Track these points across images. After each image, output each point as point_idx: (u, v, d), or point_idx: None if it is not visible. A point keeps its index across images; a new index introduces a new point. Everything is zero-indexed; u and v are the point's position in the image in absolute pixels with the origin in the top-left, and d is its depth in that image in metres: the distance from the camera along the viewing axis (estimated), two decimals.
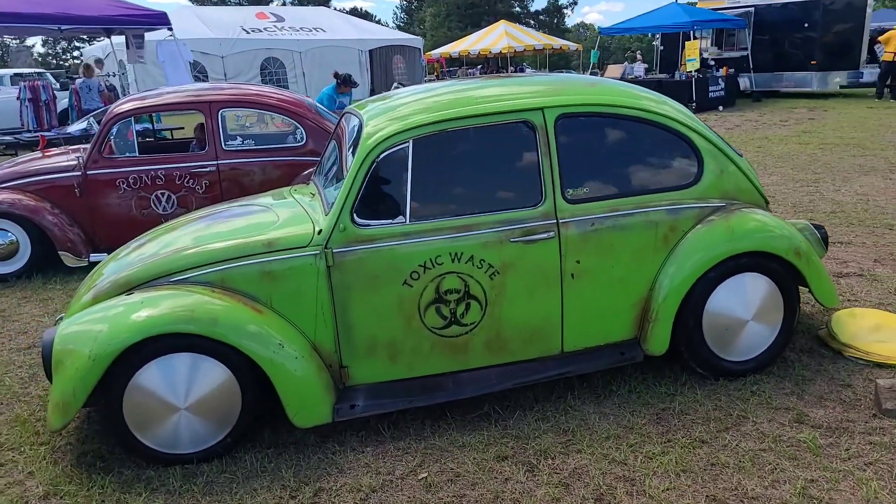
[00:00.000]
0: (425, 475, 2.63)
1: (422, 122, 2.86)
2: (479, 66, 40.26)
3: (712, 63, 18.68)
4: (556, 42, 42.50)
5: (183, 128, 9.87)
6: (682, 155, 3.15)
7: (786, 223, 3.26)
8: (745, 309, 3.15)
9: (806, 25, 18.54)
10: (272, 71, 27.04)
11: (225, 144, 5.73)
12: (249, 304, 2.80)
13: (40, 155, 6.15)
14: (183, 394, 2.71)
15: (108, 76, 15.50)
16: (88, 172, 5.48)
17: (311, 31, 30.25)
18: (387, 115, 2.95)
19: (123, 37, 11.77)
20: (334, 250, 2.80)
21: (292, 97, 6.31)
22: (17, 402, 3.38)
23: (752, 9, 19.23)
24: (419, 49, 33.64)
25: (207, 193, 5.70)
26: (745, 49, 19.36)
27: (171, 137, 9.17)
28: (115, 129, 5.57)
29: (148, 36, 11.17)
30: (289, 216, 3.02)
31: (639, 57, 53.21)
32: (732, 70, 18.38)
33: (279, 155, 5.88)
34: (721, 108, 17.37)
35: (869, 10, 18.94)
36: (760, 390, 3.09)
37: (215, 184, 5.71)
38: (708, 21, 17.96)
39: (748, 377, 3.20)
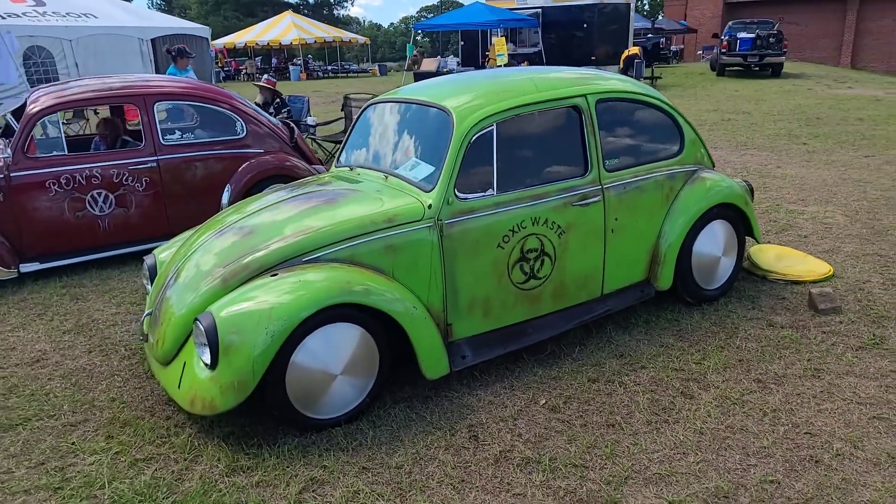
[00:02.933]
0: (544, 401, 3.19)
1: (502, 108, 3.38)
2: (258, 58, 39.15)
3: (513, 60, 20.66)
4: (346, 34, 43.09)
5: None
6: (671, 131, 4.04)
7: (734, 180, 4.31)
8: (718, 247, 4.15)
9: (585, 26, 21.31)
10: (38, 62, 23.95)
11: (164, 139, 5.54)
12: (380, 275, 3.11)
13: None
14: (337, 361, 2.95)
15: None
16: (12, 175, 4.98)
17: (79, 16, 27.16)
18: (470, 102, 3.39)
19: None
20: (445, 221, 3.22)
21: (222, 89, 6.22)
22: (100, 410, 3.25)
23: (541, 10, 21.57)
24: (207, 39, 31.91)
25: (148, 191, 5.49)
26: (537, 46, 21.70)
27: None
28: (36, 127, 5.11)
29: None
30: (389, 195, 3.33)
31: (416, 52, 55.28)
32: (526, 64, 20.51)
33: (220, 148, 5.82)
34: None
35: (631, 13, 22.31)
36: (733, 310, 4.11)
37: (156, 181, 5.51)
38: (511, 20, 19.84)
39: (718, 301, 4.21)
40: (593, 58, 21.27)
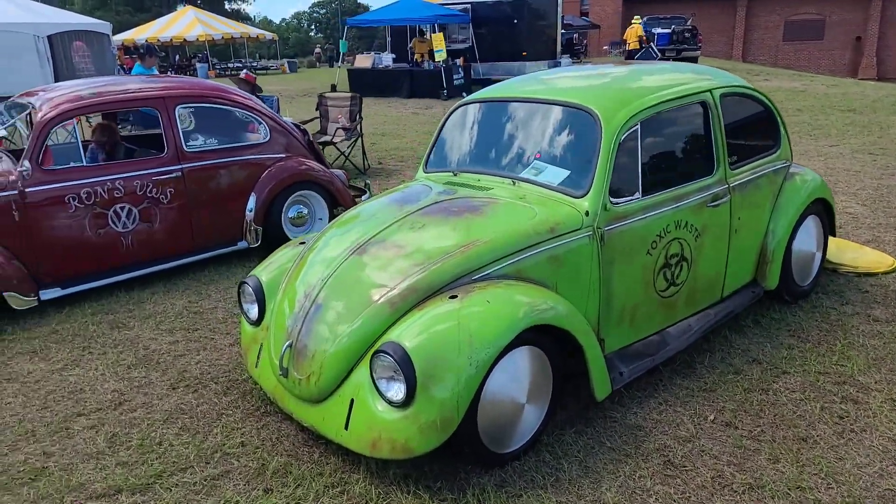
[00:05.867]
0: (712, 417, 3.09)
1: (645, 105, 3.23)
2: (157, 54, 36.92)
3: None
4: (253, 30, 41.58)
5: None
6: (771, 125, 4.04)
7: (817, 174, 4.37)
8: (812, 243, 4.21)
9: (515, 21, 21.49)
10: None
11: (187, 145, 5.03)
12: (548, 290, 2.90)
13: None
14: (521, 388, 2.73)
15: None
16: (27, 190, 4.35)
17: None
18: (612, 101, 3.23)
19: None
20: (604, 229, 3.05)
21: (241, 90, 5.73)
22: (237, 458, 2.86)
23: (470, 5, 21.54)
24: (108, 35, 29.82)
25: (173, 203, 4.97)
26: (467, 41, 21.69)
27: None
28: (51, 136, 4.50)
29: None
30: (536, 203, 3.11)
31: (318, 50, 53.94)
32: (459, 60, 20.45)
33: (244, 154, 5.36)
34: (464, 94, 19.27)
35: (559, 9, 22.74)
36: (830, 305, 4.16)
37: (181, 191, 5.00)
38: (446, 15, 19.65)
39: (812, 296, 4.26)
40: (524, 53, 21.51)
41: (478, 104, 3.81)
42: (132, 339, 4.09)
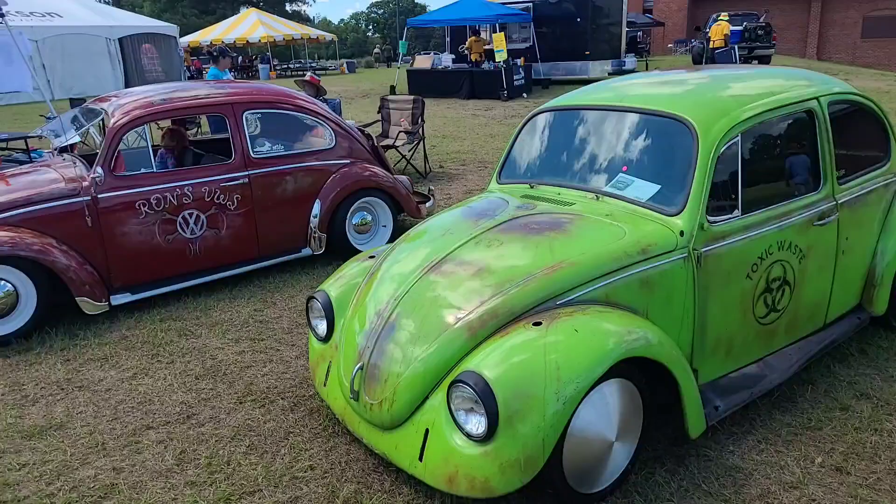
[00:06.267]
0: (820, 459, 2.79)
1: (746, 115, 2.96)
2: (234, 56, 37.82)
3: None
4: (313, 31, 42.23)
5: None
6: (881, 136, 3.68)
7: None
8: None
9: (578, 20, 21.03)
10: None
11: (253, 151, 4.98)
12: (639, 316, 2.67)
13: None
14: (611, 424, 2.51)
15: None
16: (100, 196, 4.37)
17: (43, 16, 25.95)
18: (709, 110, 2.97)
19: None
20: (701, 250, 2.80)
21: (307, 96, 5.67)
22: (307, 483, 2.74)
23: (531, 4, 21.19)
24: (175, 38, 30.75)
25: (240, 209, 4.93)
26: (528, 41, 21.36)
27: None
28: (123, 142, 4.51)
29: None
30: (625, 220, 2.88)
31: (377, 50, 54.10)
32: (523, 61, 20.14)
33: (310, 160, 5.29)
34: (525, 94, 18.98)
35: (625, 6, 22.15)
36: None
37: (247, 198, 4.95)
38: (508, 15, 19.39)
39: None
40: (587, 52, 21.04)
41: (556, 112, 3.60)
42: (199, 348, 4.05)
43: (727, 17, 22.24)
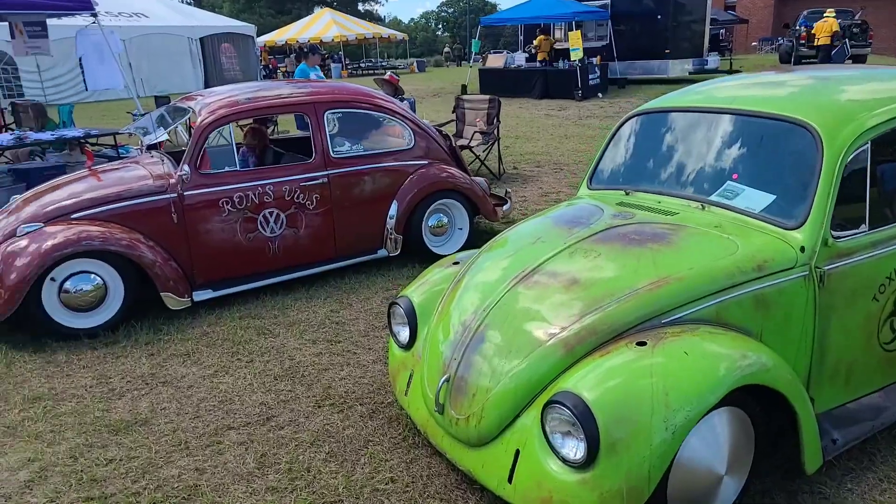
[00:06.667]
0: None
1: (878, 121, 2.68)
2: (293, 55, 38.49)
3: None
4: (385, 31, 42.67)
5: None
6: None
7: None
8: None
9: (659, 17, 20.37)
10: None
11: (333, 151, 4.95)
12: (754, 339, 2.45)
13: (87, 172, 4.83)
14: (720, 456, 2.31)
15: None
16: (185, 193, 4.42)
17: (131, 16, 27.15)
18: (835, 114, 2.71)
19: (5, 24, 9.60)
20: (824, 268, 2.55)
21: (386, 95, 5.63)
22: (388, 496, 2.65)
23: (609, 1, 20.67)
24: (252, 37, 31.63)
25: (318, 209, 4.90)
26: (604, 39, 20.84)
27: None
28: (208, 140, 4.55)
29: (51, 22, 9.19)
30: (736, 233, 2.66)
31: (447, 49, 53.95)
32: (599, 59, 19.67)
33: (388, 160, 5.22)
34: (600, 94, 18.53)
35: (709, 3, 21.31)
36: None
37: (326, 198, 4.92)
38: (584, 12, 18.98)
39: None
40: (667, 51, 20.37)
41: (656, 114, 3.38)
42: (278, 348, 4.03)
43: (833, 14, 21.00)
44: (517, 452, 2.37)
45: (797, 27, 23.46)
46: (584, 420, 2.12)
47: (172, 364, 3.87)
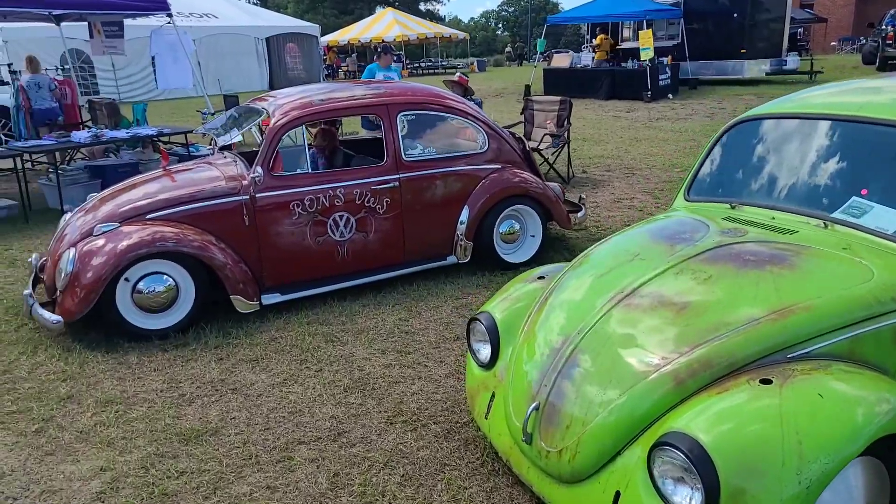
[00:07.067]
0: None
1: None
2: (354, 55, 38.70)
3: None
4: (446, 31, 42.64)
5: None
6: None
7: None
8: None
9: (735, 15, 19.56)
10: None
11: (405, 154, 4.80)
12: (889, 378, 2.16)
13: (161, 172, 4.84)
14: None
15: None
16: (258, 195, 4.34)
17: (201, 17, 27.87)
18: None
19: (85, 23, 9.89)
20: None
21: (458, 96, 5.46)
22: None
23: None
24: (316, 37, 32.04)
25: (388, 213, 4.76)
26: (675, 38, 20.16)
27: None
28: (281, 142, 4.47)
29: (126, 22, 9.43)
30: (868, 256, 2.37)
31: (509, 49, 53.49)
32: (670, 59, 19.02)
33: (460, 164, 5.04)
34: (670, 95, 17.92)
35: (789, 0, 20.35)
36: None
37: (396, 202, 4.77)
38: (656, 10, 18.40)
39: None
40: (743, 51, 19.55)
41: (767, 120, 3.09)
42: (346, 357, 3.91)
43: None
44: (617, 494, 2.15)
45: (883, 27, 22.14)
46: (702, 466, 1.89)
47: (241, 370, 3.79)
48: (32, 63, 9.65)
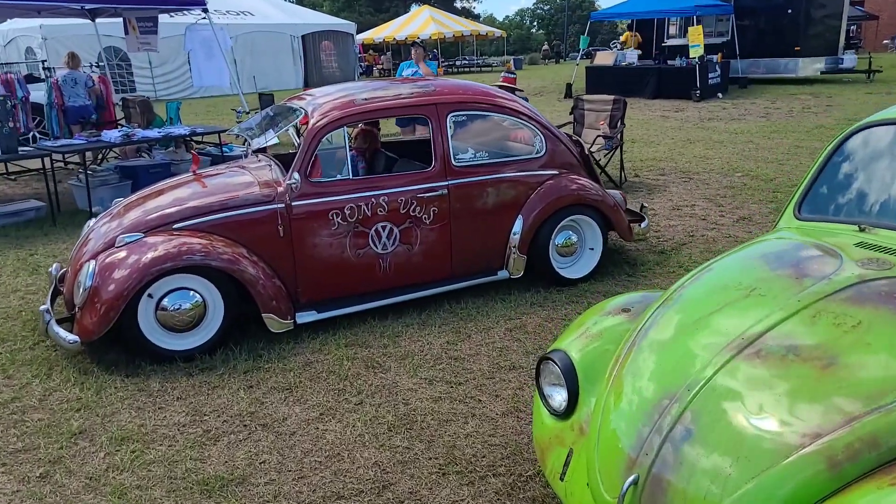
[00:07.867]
0: None
1: None
2: (388, 53, 38.35)
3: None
4: (482, 28, 42.15)
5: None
6: None
7: None
8: None
9: (789, 12, 18.69)
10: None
11: (455, 158, 4.34)
12: None
13: (192, 176, 4.47)
14: None
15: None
16: (294, 203, 3.94)
17: (238, 14, 27.85)
18: None
19: (120, 20, 9.67)
20: None
21: (514, 96, 4.99)
22: None
23: None
24: (352, 35, 31.81)
25: (435, 223, 4.32)
26: (725, 35, 19.35)
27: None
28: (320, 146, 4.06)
29: (162, 20, 9.18)
30: None
31: (546, 46, 52.93)
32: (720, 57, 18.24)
33: (514, 170, 4.57)
34: (720, 95, 17.18)
35: None
36: None
37: (444, 211, 4.32)
38: (706, 6, 17.63)
39: None
40: (797, 48, 18.67)
41: (887, 129, 2.56)
42: (389, 387, 3.48)
43: None
44: None
45: None
46: None
47: (273, 401, 3.38)
48: (74, 59, 9.44)
